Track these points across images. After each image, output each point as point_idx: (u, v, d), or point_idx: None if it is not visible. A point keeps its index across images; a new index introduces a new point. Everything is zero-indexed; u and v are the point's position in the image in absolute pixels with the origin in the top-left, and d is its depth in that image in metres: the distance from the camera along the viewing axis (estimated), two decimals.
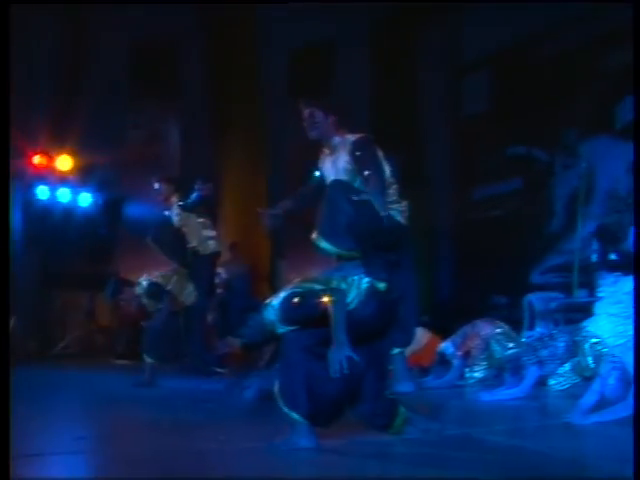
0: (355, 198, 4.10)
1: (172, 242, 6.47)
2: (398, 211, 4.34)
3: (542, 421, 4.59)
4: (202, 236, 6.46)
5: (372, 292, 3.73)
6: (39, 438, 3.94)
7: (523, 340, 6.29)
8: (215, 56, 10.24)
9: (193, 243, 6.44)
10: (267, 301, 3.73)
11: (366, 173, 4.13)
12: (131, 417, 4.74)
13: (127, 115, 9.66)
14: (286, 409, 3.57)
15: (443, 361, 6.50)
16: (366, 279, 3.77)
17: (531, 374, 5.48)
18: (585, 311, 6.68)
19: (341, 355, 3.48)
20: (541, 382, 5.62)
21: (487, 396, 5.39)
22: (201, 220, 6.50)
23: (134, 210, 9.78)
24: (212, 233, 6.56)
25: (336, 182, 4.20)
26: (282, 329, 3.67)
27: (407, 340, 4.27)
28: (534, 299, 7.87)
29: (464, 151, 9.95)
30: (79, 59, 9.94)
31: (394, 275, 4.13)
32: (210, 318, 6.42)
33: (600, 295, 6.32)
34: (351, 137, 4.33)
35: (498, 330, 6.31)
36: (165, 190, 6.58)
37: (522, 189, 9.44)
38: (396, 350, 4.20)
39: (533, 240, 9.00)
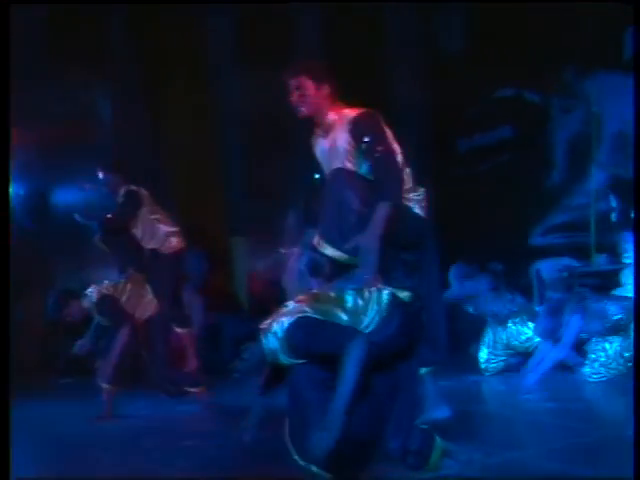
0: (363, 189, 3.73)
1: (125, 242, 6.00)
2: (415, 201, 3.95)
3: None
4: (161, 234, 6.02)
5: (395, 305, 3.40)
6: None
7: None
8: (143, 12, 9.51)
9: (151, 244, 5.99)
10: (265, 326, 3.32)
11: (375, 156, 3.76)
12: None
13: (46, 86, 8.96)
14: (302, 461, 3.19)
15: None
16: (386, 290, 3.44)
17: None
18: (608, 279, 6.52)
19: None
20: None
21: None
22: (155, 216, 6.04)
23: (66, 199, 9.12)
24: (172, 228, 6.10)
25: (338, 171, 3.82)
26: (287, 361, 3.30)
27: (438, 356, 3.93)
28: (543, 268, 7.66)
29: (441, 97, 9.55)
30: None
31: (415, 279, 3.81)
32: (182, 330, 6.00)
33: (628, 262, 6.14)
34: (350, 112, 3.94)
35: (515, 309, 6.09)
36: (112, 180, 6.09)
37: (513, 138, 9.10)
38: (424, 369, 3.86)
39: (529, 196, 8.74)
